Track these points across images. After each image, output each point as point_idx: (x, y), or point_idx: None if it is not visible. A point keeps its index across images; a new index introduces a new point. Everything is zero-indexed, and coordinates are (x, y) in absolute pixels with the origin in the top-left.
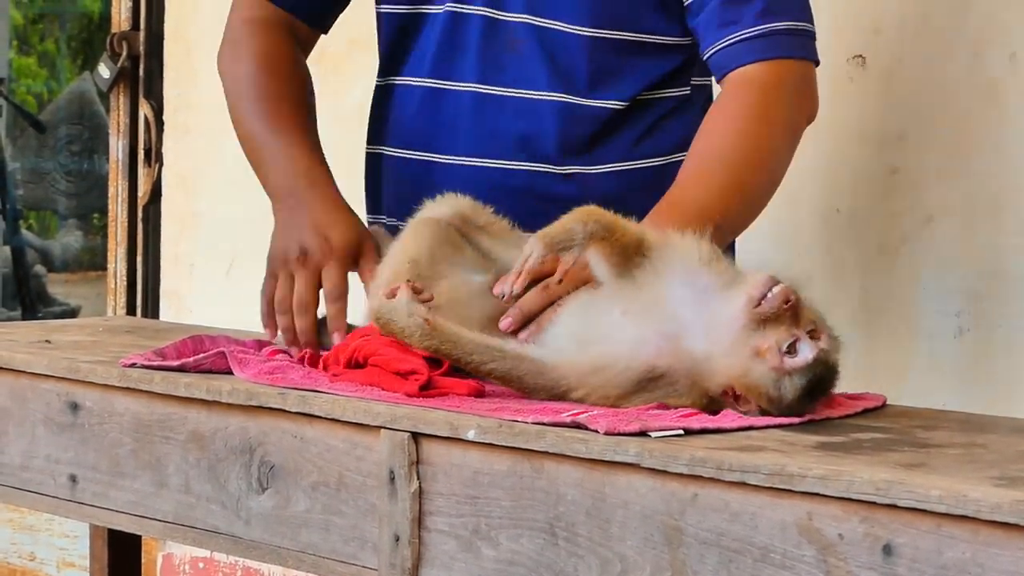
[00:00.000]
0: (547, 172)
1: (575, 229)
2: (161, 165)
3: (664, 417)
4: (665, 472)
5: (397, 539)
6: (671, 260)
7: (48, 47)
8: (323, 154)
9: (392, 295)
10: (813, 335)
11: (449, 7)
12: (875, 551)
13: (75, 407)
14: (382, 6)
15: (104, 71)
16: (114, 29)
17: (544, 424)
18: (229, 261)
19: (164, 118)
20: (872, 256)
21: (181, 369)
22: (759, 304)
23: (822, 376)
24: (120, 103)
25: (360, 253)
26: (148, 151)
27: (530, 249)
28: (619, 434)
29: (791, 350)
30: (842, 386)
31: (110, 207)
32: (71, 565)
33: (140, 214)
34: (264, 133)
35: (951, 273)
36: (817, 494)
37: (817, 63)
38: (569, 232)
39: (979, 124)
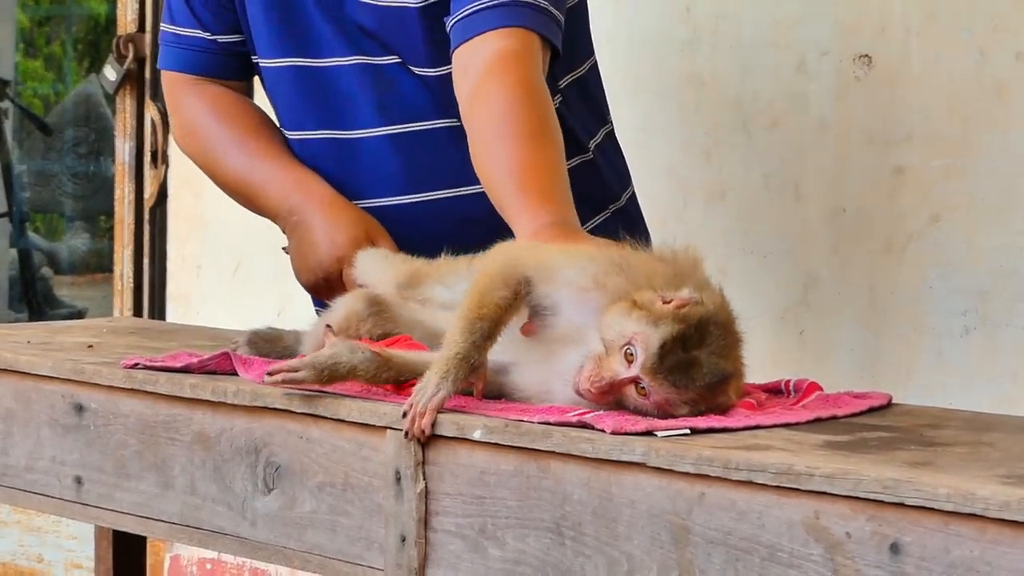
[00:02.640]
0: (475, 194)
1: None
2: (167, 167)
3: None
4: (672, 471)
5: (403, 539)
6: (562, 298)
7: (54, 50)
8: (303, 164)
9: (321, 346)
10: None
11: (310, 62)
12: (882, 549)
13: (80, 408)
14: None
15: (110, 73)
16: (120, 31)
17: (550, 424)
18: (236, 262)
19: (170, 120)
20: (879, 255)
21: (185, 370)
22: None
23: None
24: (126, 105)
25: (373, 240)
26: (154, 153)
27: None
28: (625, 433)
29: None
30: (848, 384)
31: (116, 209)
32: (78, 566)
33: (147, 216)
34: (242, 169)
35: (958, 272)
36: (824, 493)
37: (552, 45)
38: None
39: (985, 123)
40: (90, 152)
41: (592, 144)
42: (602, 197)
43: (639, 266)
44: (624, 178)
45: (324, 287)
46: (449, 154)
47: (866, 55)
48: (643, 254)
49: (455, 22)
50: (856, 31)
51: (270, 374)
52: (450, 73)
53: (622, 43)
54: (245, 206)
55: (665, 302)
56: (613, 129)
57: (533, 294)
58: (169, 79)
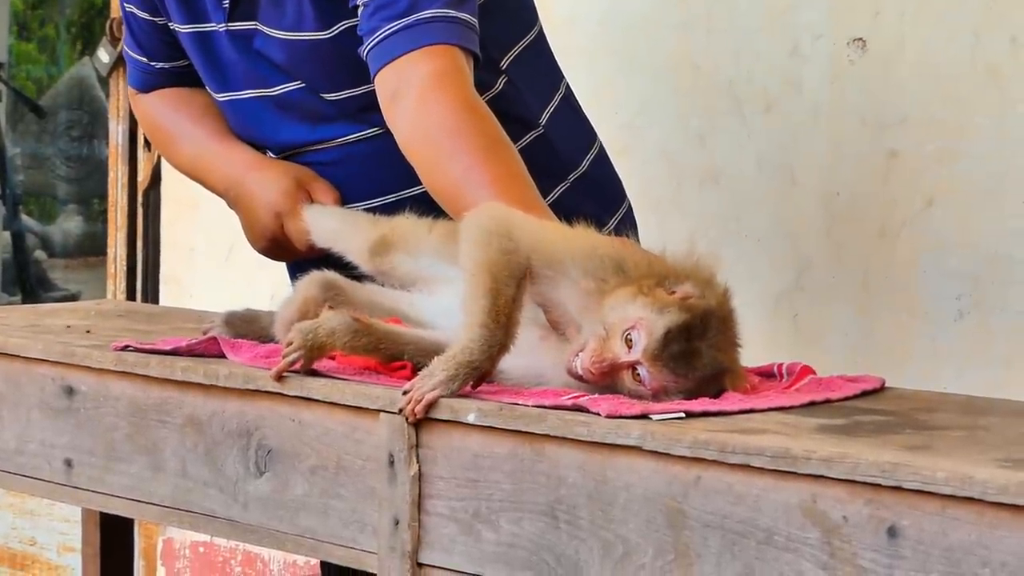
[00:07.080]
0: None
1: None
2: None
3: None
4: (668, 455)
5: (397, 522)
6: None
7: (48, 32)
8: (231, 137)
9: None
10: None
11: (234, 96)
12: (880, 533)
13: (70, 391)
14: None
15: (104, 56)
16: (113, 14)
17: (545, 407)
18: (229, 245)
19: None
20: (872, 240)
21: (174, 353)
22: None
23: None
24: (120, 88)
25: (306, 186)
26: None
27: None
28: (620, 417)
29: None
30: (842, 369)
31: (110, 192)
32: (71, 549)
33: (140, 199)
34: (190, 159)
35: (951, 256)
36: (821, 476)
37: (471, 52)
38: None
39: (979, 107)
40: (83, 135)
41: (545, 115)
42: (558, 168)
43: (640, 264)
44: (585, 142)
45: (276, 249)
46: (391, 159)
47: (860, 39)
48: (645, 251)
49: (371, 47)
50: (850, 14)
51: (277, 376)
52: (360, 93)
53: (617, 26)
54: (203, 184)
55: (670, 292)
56: (569, 91)
57: (534, 287)
58: (129, 90)
